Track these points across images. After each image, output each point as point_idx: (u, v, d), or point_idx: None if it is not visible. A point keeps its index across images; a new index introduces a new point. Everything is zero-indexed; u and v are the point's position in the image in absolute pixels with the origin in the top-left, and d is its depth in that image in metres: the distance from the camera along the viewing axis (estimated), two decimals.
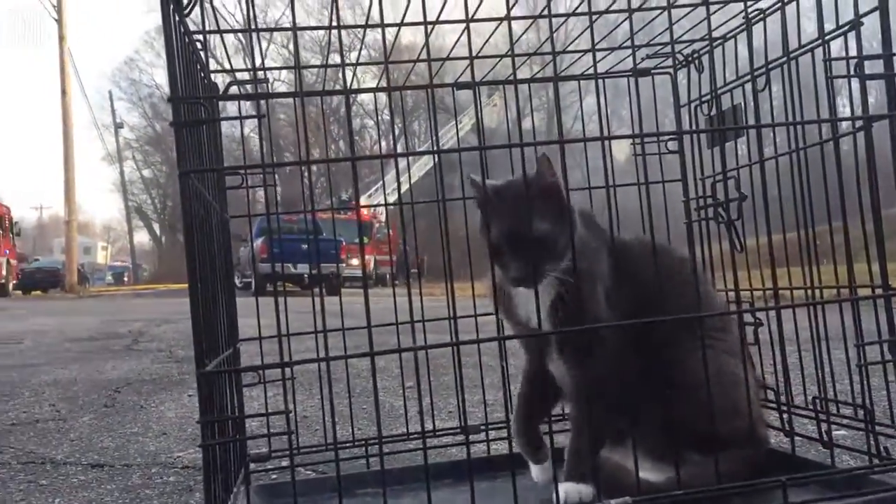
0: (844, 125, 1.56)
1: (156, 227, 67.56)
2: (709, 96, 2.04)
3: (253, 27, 1.43)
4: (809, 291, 1.68)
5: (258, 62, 1.86)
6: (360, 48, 2.00)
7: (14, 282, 29.60)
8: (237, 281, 25.12)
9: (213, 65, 1.81)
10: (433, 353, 1.83)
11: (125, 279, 70.79)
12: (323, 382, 1.85)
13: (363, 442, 1.98)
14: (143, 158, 64.12)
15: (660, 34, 1.98)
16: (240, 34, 1.86)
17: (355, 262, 27.00)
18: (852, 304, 1.52)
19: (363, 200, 30.35)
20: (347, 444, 2.01)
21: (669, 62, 2.15)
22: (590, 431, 1.51)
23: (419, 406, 1.61)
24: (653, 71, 2.18)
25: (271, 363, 1.40)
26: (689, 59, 2.11)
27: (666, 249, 1.71)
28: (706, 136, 2.07)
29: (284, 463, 2.20)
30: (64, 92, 25.54)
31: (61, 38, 25.07)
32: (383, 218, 29.44)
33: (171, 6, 1.26)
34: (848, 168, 1.55)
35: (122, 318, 10.79)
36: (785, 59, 1.67)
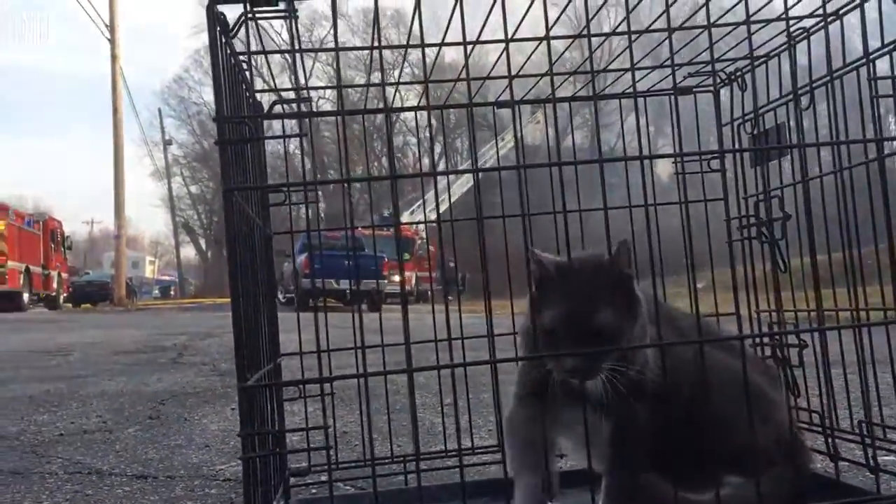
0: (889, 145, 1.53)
1: (202, 242, 68.73)
2: (752, 115, 2.03)
3: (297, 48, 1.46)
4: (854, 313, 1.65)
5: (302, 81, 1.90)
6: (402, 66, 2.02)
7: (65, 295, 30.34)
8: (280, 296, 25.44)
9: (259, 84, 1.86)
10: (473, 370, 1.84)
11: (171, 293, 72.06)
12: (362, 399, 1.87)
13: (401, 458, 1.99)
14: (190, 175, 65.41)
15: (702, 52, 1.97)
16: (286, 53, 1.90)
17: (397, 278, 27.15)
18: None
19: (405, 217, 30.60)
20: (386, 461, 2.02)
21: (711, 80, 2.14)
22: (627, 464, 1.47)
23: (456, 423, 1.61)
24: (695, 89, 2.18)
25: (310, 378, 1.42)
26: (732, 77, 2.10)
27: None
28: (749, 155, 2.05)
29: (324, 478, 2.21)
30: (115, 109, 26.21)
31: (114, 58, 25.75)
32: (425, 234, 29.56)
33: (218, 28, 1.30)
34: (895, 187, 1.52)
35: (168, 332, 10.98)
36: (828, 77, 1.65)
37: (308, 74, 1.94)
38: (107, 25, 25.77)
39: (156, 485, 2.41)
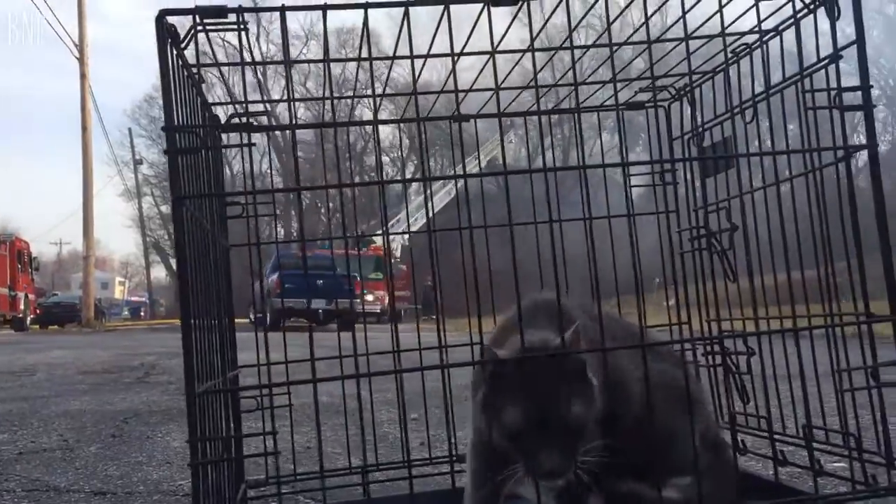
0: (827, 157, 1.59)
1: (172, 262, 67.98)
2: (700, 129, 2.08)
3: (249, 61, 1.49)
4: (791, 321, 1.70)
5: (258, 96, 1.92)
6: (385, 81, 2.05)
7: (32, 316, 29.87)
8: (251, 316, 25.24)
9: (221, 98, 1.88)
10: (436, 385, 1.86)
11: (142, 314, 71.17)
12: (309, 413, 1.88)
13: (359, 469, 2.00)
14: (161, 195, 64.77)
15: (647, 69, 2.02)
16: (252, 69, 1.92)
17: (370, 297, 27.04)
18: (832, 332, 1.53)
19: (379, 237, 30.51)
20: (341, 472, 2.02)
21: (662, 96, 2.20)
22: None
23: (402, 434, 1.63)
24: (646, 105, 2.23)
25: (259, 384, 1.43)
26: (682, 92, 2.15)
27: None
28: (698, 168, 2.10)
29: (284, 490, 2.21)
30: (84, 128, 25.97)
31: (83, 76, 25.56)
32: (398, 254, 29.53)
33: (169, 40, 1.32)
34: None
35: (136, 352, 10.85)
36: (765, 93, 1.71)
37: (264, 90, 1.96)
38: (76, 44, 25.60)
39: (114, 500, 2.39)
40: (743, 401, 1.96)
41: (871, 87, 1.50)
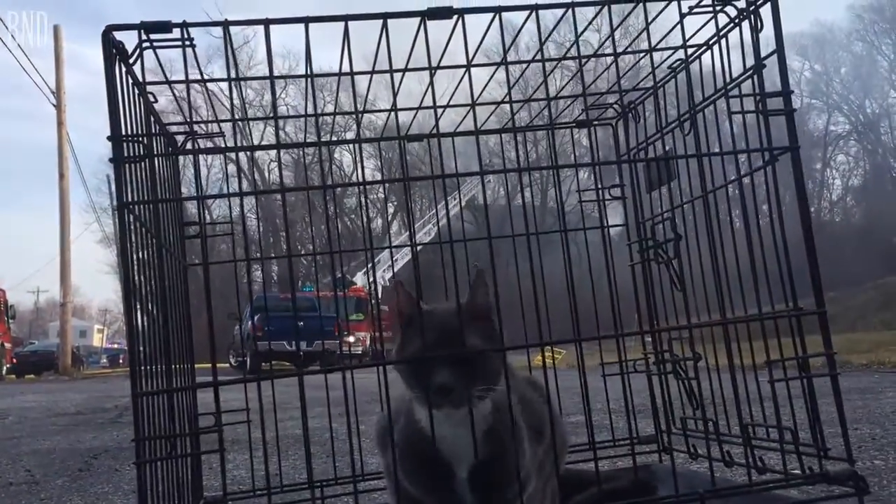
0: (756, 161, 1.66)
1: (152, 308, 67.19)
2: (644, 143, 2.16)
3: (198, 79, 1.54)
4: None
5: (206, 116, 1.98)
6: (335, 109, 2.10)
7: (8, 365, 29.42)
8: (231, 360, 25.02)
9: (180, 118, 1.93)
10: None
11: (121, 361, 70.27)
12: (283, 444, 1.90)
13: (304, 485, 2.02)
14: (139, 240, 64.29)
15: (589, 85, 2.10)
16: (203, 87, 1.97)
17: (351, 339, 26.92)
18: (762, 325, 1.59)
19: (359, 277, 30.50)
20: (299, 486, 2.04)
21: (609, 113, 2.28)
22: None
23: (350, 447, 1.65)
24: (594, 122, 2.31)
25: (203, 382, 1.46)
26: (627, 109, 2.23)
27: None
28: (644, 181, 2.17)
29: None
30: (62, 175, 25.91)
31: (60, 124, 25.58)
32: (380, 294, 29.45)
33: (117, 56, 1.37)
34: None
35: (111, 395, 10.73)
36: (690, 110, 1.78)
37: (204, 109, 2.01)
38: (53, 91, 25.67)
39: None
40: (692, 406, 2.01)
41: (792, 91, 1.57)
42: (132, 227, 1.35)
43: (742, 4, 1.61)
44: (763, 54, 1.64)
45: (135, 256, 1.35)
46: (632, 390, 2.20)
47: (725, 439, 1.85)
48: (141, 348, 1.33)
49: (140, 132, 1.42)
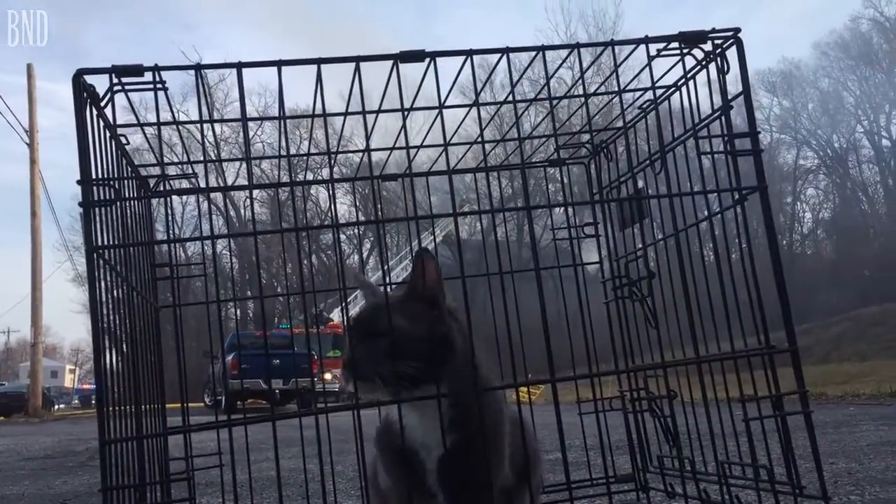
0: (726, 202, 1.68)
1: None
2: (616, 182, 2.18)
3: (169, 121, 1.54)
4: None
5: (176, 156, 1.97)
6: (309, 146, 2.10)
7: None
8: (206, 399, 24.66)
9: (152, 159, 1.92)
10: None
11: (92, 402, 68.99)
12: (257, 486, 1.87)
13: None
14: (112, 279, 63.52)
15: (560, 126, 2.12)
16: (177, 130, 1.96)
17: (328, 376, 26.66)
18: (736, 363, 1.59)
19: (336, 314, 30.32)
20: None
21: (581, 152, 2.30)
22: None
23: (323, 489, 1.62)
24: (568, 161, 2.33)
25: (174, 428, 1.43)
26: (598, 148, 2.26)
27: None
28: (617, 220, 2.19)
29: None
30: (34, 214, 25.62)
31: (33, 162, 25.37)
32: None
33: (89, 99, 1.37)
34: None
35: (81, 438, 10.50)
36: (660, 151, 1.81)
37: (185, 152, 2.00)
38: (26, 130, 25.49)
39: None
40: (669, 444, 2.01)
41: (759, 132, 1.60)
42: (102, 271, 1.33)
43: (709, 47, 1.64)
44: (731, 94, 1.67)
45: (105, 300, 1.33)
46: (608, 427, 2.20)
47: (702, 477, 1.85)
48: (110, 394, 1.30)
49: (111, 175, 1.41)
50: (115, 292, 1.44)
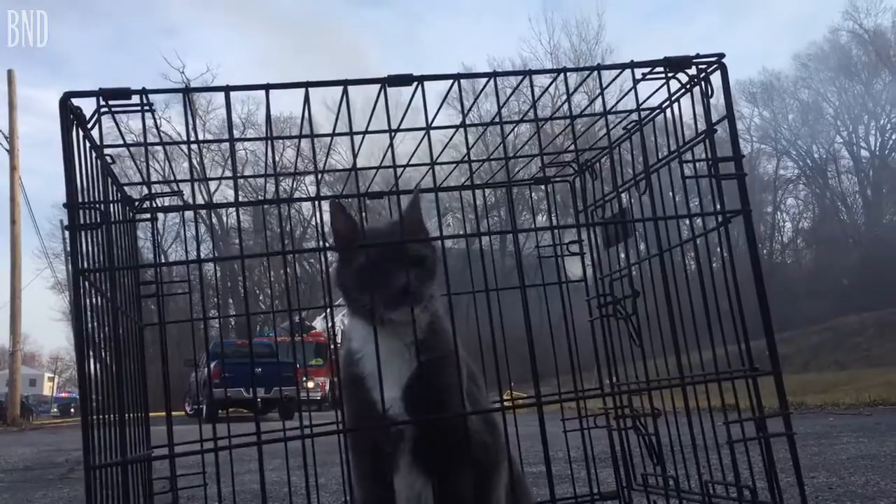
0: (710, 223, 1.70)
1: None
2: (601, 201, 2.20)
3: (155, 141, 1.54)
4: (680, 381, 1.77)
5: (158, 174, 1.97)
6: (295, 163, 2.10)
7: None
8: (188, 408, 24.47)
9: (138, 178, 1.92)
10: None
11: (72, 410, 68.24)
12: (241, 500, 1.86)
13: None
14: (98, 301, 62.79)
15: (547, 146, 2.14)
16: (164, 150, 1.96)
17: (311, 384, 26.52)
18: (720, 385, 1.61)
19: (319, 322, 30.21)
20: None
21: (567, 170, 2.32)
22: None
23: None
24: (553, 179, 2.35)
25: (158, 456, 1.43)
26: (584, 167, 2.27)
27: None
28: (602, 238, 2.20)
29: None
30: (13, 221, 25.36)
31: (13, 169, 25.14)
32: (340, 338, 29.16)
33: (75, 121, 1.36)
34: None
35: (61, 448, 10.38)
36: (645, 172, 1.82)
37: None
38: (6, 137, 25.26)
39: None
40: (653, 461, 2.02)
41: (743, 156, 1.62)
42: (88, 292, 1.32)
43: (693, 72, 1.66)
44: (715, 115, 1.69)
45: (90, 322, 1.33)
46: (592, 437, 2.21)
47: (685, 496, 1.86)
48: (95, 417, 1.30)
49: (97, 198, 1.41)
50: (100, 313, 1.44)
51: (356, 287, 1.47)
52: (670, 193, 1.82)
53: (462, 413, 1.44)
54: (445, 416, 1.43)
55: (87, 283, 1.32)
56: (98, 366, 1.38)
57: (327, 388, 28.55)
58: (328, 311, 1.85)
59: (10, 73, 25.89)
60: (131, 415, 1.65)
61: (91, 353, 1.32)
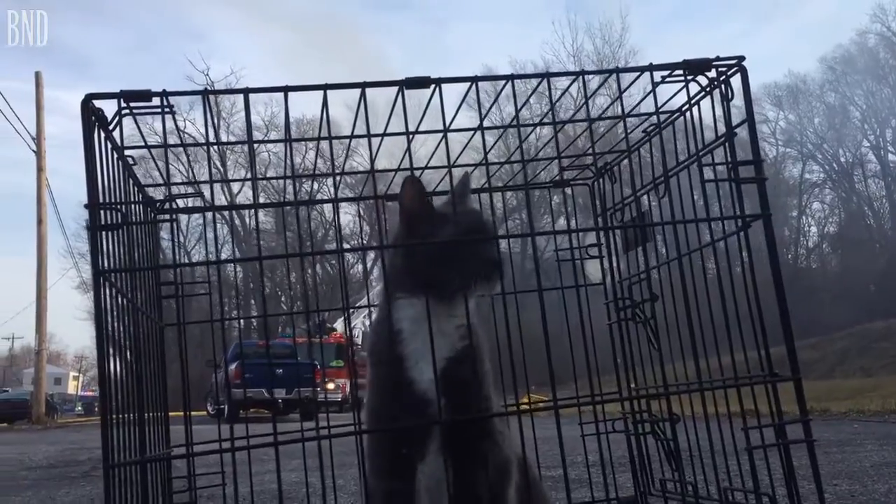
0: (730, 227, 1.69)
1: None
2: (620, 205, 2.19)
3: (175, 143, 1.55)
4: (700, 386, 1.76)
5: (181, 177, 1.99)
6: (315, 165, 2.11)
7: None
8: (209, 408, 24.65)
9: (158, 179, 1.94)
10: None
11: (96, 409, 69.00)
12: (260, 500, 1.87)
13: None
14: (119, 302, 63.46)
15: (565, 149, 2.13)
16: (185, 152, 1.98)
17: (331, 385, 26.59)
18: (739, 391, 1.60)
19: (340, 324, 30.30)
20: None
21: (587, 174, 2.31)
22: None
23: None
24: (571, 182, 2.34)
25: (177, 454, 1.44)
26: (602, 170, 2.26)
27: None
28: (621, 242, 2.19)
29: None
30: (40, 221, 25.72)
31: (40, 170, 25.49)
32: (360, 341, 29.25)
33: (97, 123, 1.38)
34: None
35: (85, 446, 10.50)
36: (663, 175, 1.82)
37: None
38: (33, 138, 25.61)
39: None
40: (671, 467, 2.00)
41: (764, 160, 1.61)
42: (108, 293, 1.34)
43: (713, 74, 1.65)
44: (736, 118, 1.68)
45: (111, 322, 1.34)
46: (609, 443, 2.20)
47: (704, 502, 1.85)
48: (115, 416, 1.31)
49: (118, 199, 1.43)
50: (121, 314, 1.45)
51: (439, 263, 1.47)
52: (690, 196, 1.81)
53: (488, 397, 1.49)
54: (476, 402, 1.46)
55: (107, 284, 1.34)
56: (118, 365, 1.40)
57: (347, 389, 28.62)
58: (346, 315, 1.85)
59: (37, 74, 26.26)
60: (151, 414, 1.67)
61: (111, 353, 1.33)
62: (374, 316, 1.59)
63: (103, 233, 1.35)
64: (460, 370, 1.45)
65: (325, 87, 1.45)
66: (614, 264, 2.23)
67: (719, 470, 1.73)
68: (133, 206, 1.59)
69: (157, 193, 1.99)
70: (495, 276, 1.47)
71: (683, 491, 1.90)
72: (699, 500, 1.87)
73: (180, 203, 2.06)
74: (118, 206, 1.40)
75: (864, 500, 2.70)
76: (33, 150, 25.72)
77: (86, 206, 1.32)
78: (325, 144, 1.89)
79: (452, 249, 1.46)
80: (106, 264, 1.34)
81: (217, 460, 1.86)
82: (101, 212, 1.35)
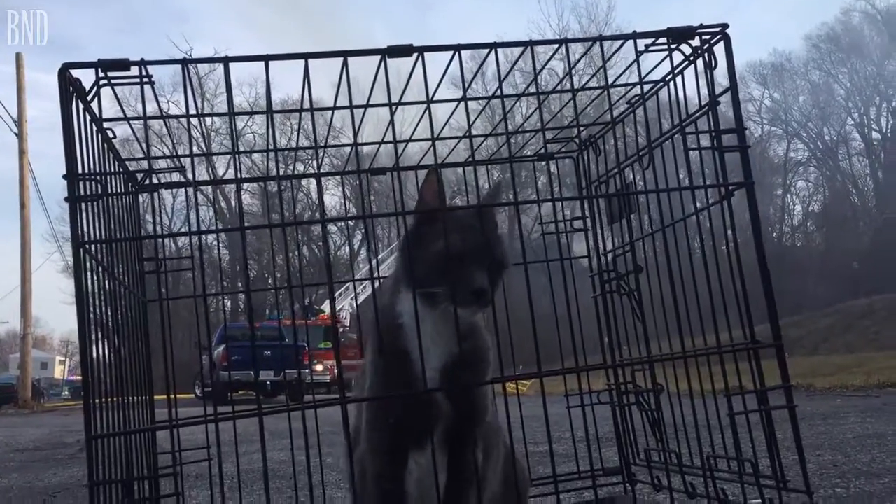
0: (711, 196, 1.69)
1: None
2: (605, 177, 2.18)
3: (155, 115, 1.53)
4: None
5: (166, 149, 1.97)
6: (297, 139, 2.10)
7: None
8: (197, 390, 24.63)
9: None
10: None
11: (82, 393, 68.65)
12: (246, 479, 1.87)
13: None
14: (95, 279, 63.12)
15: (549, 121, 2.12)
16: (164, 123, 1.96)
17: (319, 367, 26.62)
18: (721, 357, 1.61)
19: (326, 306, 30.28)
20: None
21: (571, 146, 2.30)
22: None
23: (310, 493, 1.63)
24: (556, 155, 2.33)
25: (160, 423, 1.44)
26: (587, 143, 2.26)
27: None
28: (606, 214, 2.19)
29: None
30: (23, 205, 25.46)
31: (22, 153, 25.21)
32: (347, 322, 29.27)
33: (74, 93, 1.36)
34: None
35: (72, 429, 10.48)
36: (648, 146, 1.81)
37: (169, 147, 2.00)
38: (14, 120, 25.30)
39: None
40: (655, 437, 2.02)
41: (746, 129, 1.61)
42: (88, 265, 1.33)
43: (696, 43, 1.64)
44: (719, 89, 1.68)
45: (91, 295, 1.33)
46: (596, 418, 2.21)
47: (687, 470, 1.86)
48: (97, 388, 1.30)
49: (98, 170, 1.41)
50: (101, 287, 1.44)
51: (430, 273, 1.45)
52: (675, 167, 1.80)
53: (490, 381, 1.52)
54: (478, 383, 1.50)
55: (87, 256, 1.32)
56: (99, 337, 1.39)
57: (335, 371, 28.57)
58: (331, 295, 1.85)
59: (18, 56, 25.90)
60: (134, 394, 1.66)
61: (92, 324, 1.32)
62: (380, 301, 1.60)
63: (83, 204, 1.33)
64: (462, 369, 1.48)
65: (306, 56, 1.44)
66: (599, 237, 2.23)
67: (702, 439, 1.74)
68: (114, 178, 1.57)
69: (138, 172, 1.97)
70: (475, 305, 1.43)
71: (667, 460, 1.91)
72: (683, 468, 1.88)
73: (163, 179, 2.04)
74: (98, 178, 1.39)
75: (846, 470, 2.73)
76: (15, 133, 25.40)
77: (64, 177, 1.30)
78: (308, 124, 1.88)
79: (442, 265, 1.44)
80: (86, 236, 1.33)
81: (204, 441, 1.85)
82: (81, 183, 1.33)
